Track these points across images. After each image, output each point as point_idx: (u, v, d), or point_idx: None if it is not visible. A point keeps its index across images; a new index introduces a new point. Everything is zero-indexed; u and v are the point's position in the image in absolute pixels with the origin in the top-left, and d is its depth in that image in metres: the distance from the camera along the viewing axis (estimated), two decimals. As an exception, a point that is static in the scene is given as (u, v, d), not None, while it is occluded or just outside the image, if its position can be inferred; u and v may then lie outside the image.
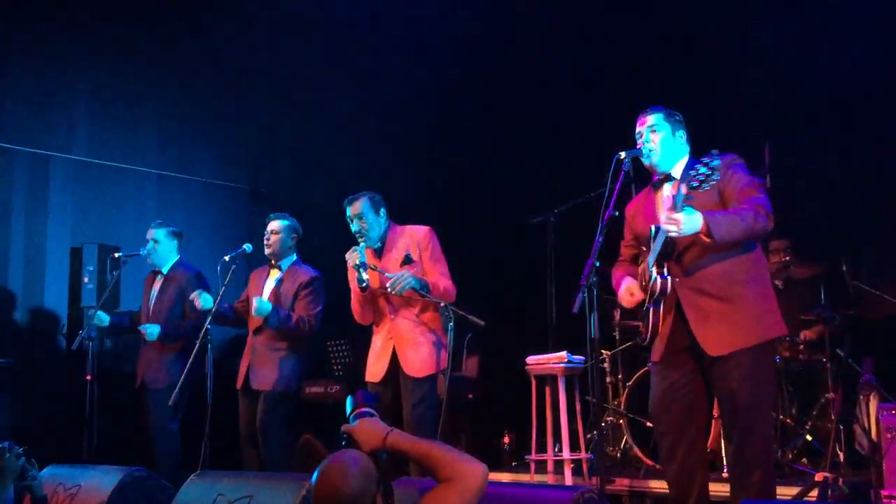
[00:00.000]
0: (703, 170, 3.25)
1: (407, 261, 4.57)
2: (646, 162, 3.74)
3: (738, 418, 3.50)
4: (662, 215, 3.41)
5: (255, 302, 5.10)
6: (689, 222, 3.32)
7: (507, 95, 7.13)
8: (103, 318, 5.69)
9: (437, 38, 7.03)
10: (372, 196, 4.66)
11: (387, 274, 4.45)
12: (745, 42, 6.26)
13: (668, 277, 3.54)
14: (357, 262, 4.46)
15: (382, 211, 4.67)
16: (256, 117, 7.67)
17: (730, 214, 3.41)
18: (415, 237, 4.63)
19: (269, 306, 5.10)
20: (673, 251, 3.56)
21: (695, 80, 6.11)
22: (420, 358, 4.48)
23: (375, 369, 4.60)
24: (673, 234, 3.38)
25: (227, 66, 7.32)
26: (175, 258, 5.84)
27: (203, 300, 5.08)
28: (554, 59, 6.88)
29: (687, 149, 3.76)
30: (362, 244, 4.52)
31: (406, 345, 4.52)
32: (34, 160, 6.60)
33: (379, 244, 4.65)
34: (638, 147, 3.74)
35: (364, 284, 4.50)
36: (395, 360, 4.53)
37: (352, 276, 4.61)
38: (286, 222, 5.38)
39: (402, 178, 6.94)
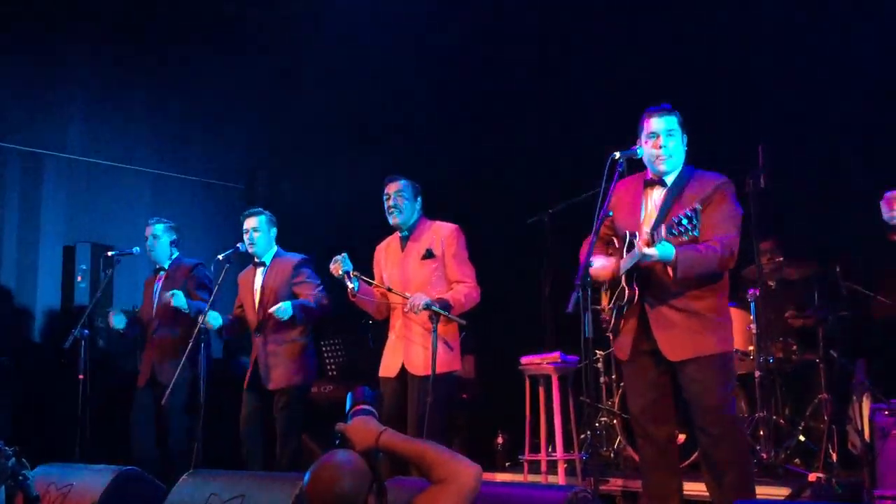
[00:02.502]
0: (685, 222, 3.26)
1: (428, 255, 4.55)
2: (655, 169, 3.72)
3: (705, 420, 3.57)
4: (638, 241, 3.46)
5: (273, 313, 4.99)
6: (662, 256, 3.44)
7: (502, 95, 7.12)
8: (120, 319, 5.64)
9: (433, 37, 7.03)
10: (413, 182, 4.69)
11: (406, 294, 4.41)
12: (739, 42, 6.26)
13: (637, 290, 3.62)
14: (341, 272, 4.44)
15: (419, 200, 4.68)
16: (251, 116, 7.67)
17: (699, 254, 3.48)
18: (440, 233, 4.61)
19: (289, 307, 5.02)
20: (643, 266, 3.62)
21: (689, 80, 6.11)
22: (426, 356, 4.42)
23: (391, 364, 4.57)
24: (641, 262, 3.50)
25: (221, 65, 7.31)
26: (175, 254, 5.82)
27: (211, 318, 5.06)
28: (548, 59, 6.88)
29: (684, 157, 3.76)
30: (345, 254, 4.50)
31: (413, 343, 4.49)
32: (27, 158, 6.58)
33: (406, 233, 4.65)
34: (633, 148, 3.73)
35: (351, 293, 4.49)
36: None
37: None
38: (264, 217, 5.34)
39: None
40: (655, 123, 3.69)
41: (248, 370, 5.28)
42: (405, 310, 4.40)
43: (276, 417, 5.13)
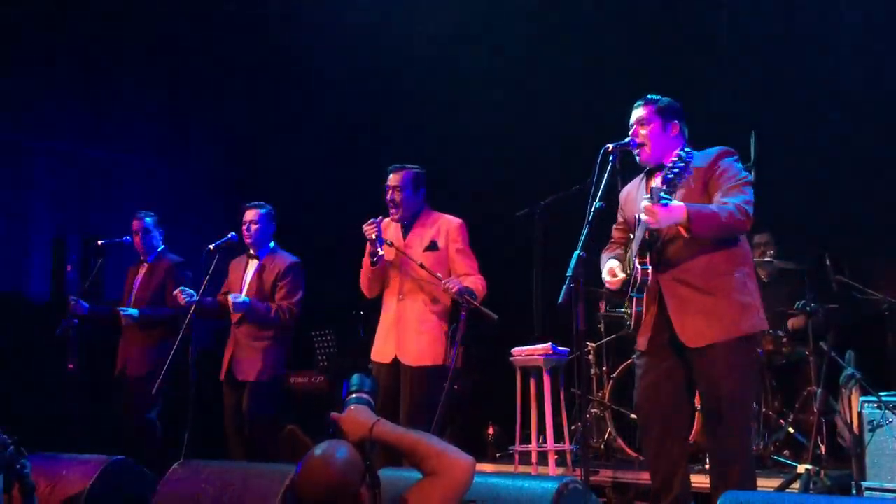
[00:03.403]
0: (678, 163, 3.24)
1: (431, 247, 4.48)
2: (637, 159, 3.72)
3: (719, 411, 3.48)
4: (640, 205, 3.37)
5: (231, 299, 5.08)
6: (667, 214, 3.30)
7: (493, 87, 7.11)
8: (82, 305, 5.63)
9: (423, 26, 7.01)
10: (417, 172, 4.58)
11: (437, 275, 4.34)
12: (733, 32, 6.25)
13: (650, 268, 3.49)
14: (374, 236, 4.36)
15: (422, 190, 4.59)
16: (243, 108, 7.63)
17: (710, 210, 3.38)
18: (445, 227, 4.54)
19: (246, 302, 5.07)
20: (656, 241, 3.53)
21: (682, 70, 6.11)
22: (419, 347, 4.40)
23: (384, 350, 4.50)
24: (651, 226, 3.36)
25: (216, 56, 7.28)
26: (161, 247, 5.81)
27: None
28: (540, 49, 6.86)
29: (682, 140, 3.71)
30: (381, 216, 4.43)
31: (407, 331, 4.43)
32: (17, 149, 6.54)
33: (407, 223, 4.56)
34: (628, 139, 3.73)
35: (375, 259, 4.40)
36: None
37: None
38: (264, 210, 5.33)
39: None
40: (631, 115, 3.73)
41: (222, 362, 5.29)
42: (442, 288, 4.31)
43: (244, 409, 5.12)
